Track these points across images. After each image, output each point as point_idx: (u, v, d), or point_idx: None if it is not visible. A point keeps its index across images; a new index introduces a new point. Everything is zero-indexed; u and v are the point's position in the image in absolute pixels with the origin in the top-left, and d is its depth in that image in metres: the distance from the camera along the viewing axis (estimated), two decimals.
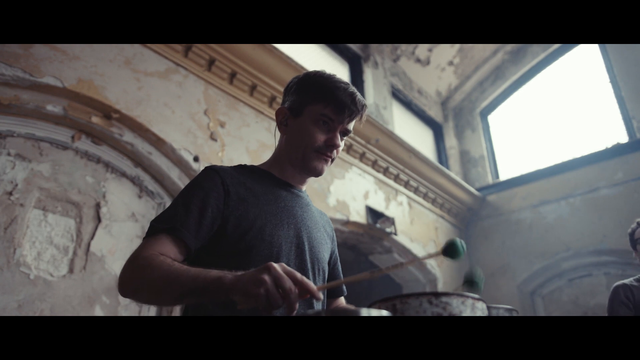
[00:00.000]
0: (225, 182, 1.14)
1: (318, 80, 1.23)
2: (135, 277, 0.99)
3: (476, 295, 0.74)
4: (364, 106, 1.23)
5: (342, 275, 1.43)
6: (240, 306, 0.87)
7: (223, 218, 1.10)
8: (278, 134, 1.33)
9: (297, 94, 1.25)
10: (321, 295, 0.88)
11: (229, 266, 1.02)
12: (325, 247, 1.30)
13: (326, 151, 1.21)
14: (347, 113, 1.20)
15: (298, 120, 1.23)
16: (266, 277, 0.82)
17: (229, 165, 1.28)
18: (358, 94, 1.22)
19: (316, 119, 1.20)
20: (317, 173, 1.24)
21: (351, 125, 1.24)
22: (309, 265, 1.18)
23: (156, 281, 0.95)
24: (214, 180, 1.14)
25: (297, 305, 0.84)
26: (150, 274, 0.96)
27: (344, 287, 1.42)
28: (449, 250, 0.96)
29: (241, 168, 1.26)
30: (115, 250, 2.67)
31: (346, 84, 1.22)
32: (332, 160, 1.25)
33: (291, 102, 1.25)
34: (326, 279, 1.28)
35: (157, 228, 1.06)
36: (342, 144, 1.25)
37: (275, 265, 0.85)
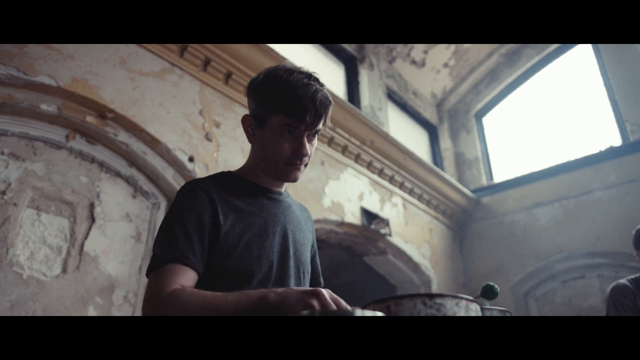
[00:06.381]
0: (211, 197, 1.12)
1: (276, 85, 1.13)
2: (168, 315, 0.95)
3: (470, 297, 0.75)
4: (327, 106, 1.14)
5: (319, 267, 1.43)
6: None
7: (214, 236, 1.09)
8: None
9: (258, 101, 1.17)
10: None
11: (220, 282, 1.04)
12: (308, 247, 1.32)
13: (296, 161, 1.17)
14: (309, 119, 1.12)
15: (263, 131, 1.18)
16: (315, 303, 0.85)
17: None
18: (320, 92, 1.13)
19: (280, 129, 1.14)
20: (292, 181, 1.22)
21: (319, 126, 1.16)
22: (292, 270, 1.19)
23: (195, 314, 0.92)
24: (202, 198, 1.11)
25: None
26: (184, 309, 0.93)
27: (322, 280, 1.43)
28: (486, 293, 1.02)
29: (220, 179, 1.23)
30: (109, 251, 2.66)
31: (306, 83, 1.12)
32: (306, 165, 1.21)
33: (254, 110, 1.19)
34: (309, 280, 1.30)
35: (166, 258, 1.02)
36: (314, 143, 1.20)
37: (324, 291, 0.87)
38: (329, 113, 1.17)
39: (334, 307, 0.86)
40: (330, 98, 1.17)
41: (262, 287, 1.10)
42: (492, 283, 1.02)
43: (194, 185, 1.15)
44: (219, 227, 1.10)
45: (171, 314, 0.94)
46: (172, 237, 1.05)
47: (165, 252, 1.03)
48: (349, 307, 0.87)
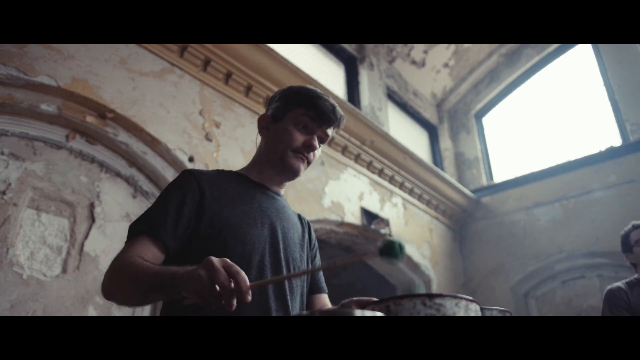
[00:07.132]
0: (201, 183, 1.18)
1: (301, 90, 1.31)
2: (111, 279, 1.03)
3: (470, 297, 0.75)
4: (342, 117, 1.31)
5: (324, 283, 1.42)
6: (187, 301, 0.89)
7: (197, 217, 1.14)
8: (259, 140, 1.38)
9: (280, 101, 1.31)
10: (249, 298, 0.85)
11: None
12: (302, 247, 1.33)
13: (303, 151, 1.27)
14: (326, 120, 1.27)
15: (279, 124, 1.29)
16: (202, 273, 0.84)
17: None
18: (338, 106, 1.30)
19: (296, 122, 1.27)
20: (294, 171, 1.28)
21: (329, 132, 1.31)
22: (283, 263, 1.21)
23: (125, 280, 1.00)
24: (190, 182, 1.18)
25: (234, 302, 0.84)
26: (122, 274, 1.00)
27: (324, 285, 1.42)
28: (387, 251, 0.85)
29: (218, 172, 1.30)
30: (109, 251, 2.66)
31: (327, 97, 1.30)
32: (309, 163, 1.30)
33: (274, 109, 1.32)
34: (305, 280, 1.31)
35: (136, 230, 1.09)
36: (319, 149, 1.31)
37: (214, 259, 0.85)
38: (341, 125, 1.33)
39: (222, 273, 0.83)
40: (344, 116, 1.34)
41: (257, 274, 1.13)
42: (394, 240, 0.82)
43: (185, 172, 1.23)
44: (204, 209, 1.14)
45: (114, 276, 1.02)
46: (149, 213, 1.14)
47: (138, 225, 1.11)
48: (241, 274, 0.84)
